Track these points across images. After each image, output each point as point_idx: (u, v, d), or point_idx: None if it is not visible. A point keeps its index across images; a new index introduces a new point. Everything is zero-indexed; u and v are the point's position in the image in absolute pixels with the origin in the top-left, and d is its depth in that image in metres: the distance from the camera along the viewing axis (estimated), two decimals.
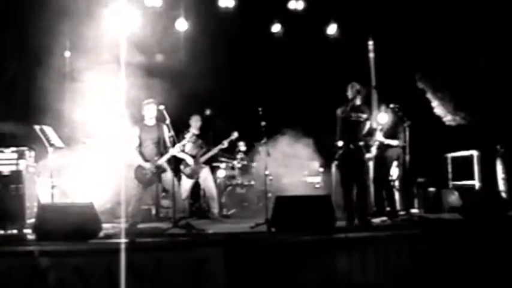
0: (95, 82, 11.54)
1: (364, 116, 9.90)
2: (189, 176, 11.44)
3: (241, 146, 13.39)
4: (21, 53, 12.15)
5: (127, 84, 11.28)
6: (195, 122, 11.68)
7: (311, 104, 13.57)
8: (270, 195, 10.71)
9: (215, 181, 12.17)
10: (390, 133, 10.75)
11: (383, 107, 11.07)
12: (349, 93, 9.98)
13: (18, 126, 11.11)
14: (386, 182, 10.86)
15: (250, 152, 13.37)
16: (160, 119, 9.99)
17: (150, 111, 10.10)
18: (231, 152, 13.16)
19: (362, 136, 9.90)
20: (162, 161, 9.94)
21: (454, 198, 12.20)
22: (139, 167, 9.96)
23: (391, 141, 10.66)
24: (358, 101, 9.94)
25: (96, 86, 11.54)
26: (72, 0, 11.88)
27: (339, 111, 9.91)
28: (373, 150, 10.88)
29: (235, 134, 11.90)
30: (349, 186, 9.84)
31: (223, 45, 13.60)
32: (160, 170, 9.94)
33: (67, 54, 13.22)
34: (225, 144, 11.81)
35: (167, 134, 9.98)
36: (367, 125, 9.98)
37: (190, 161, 11.39)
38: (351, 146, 9.75)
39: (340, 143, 9.86)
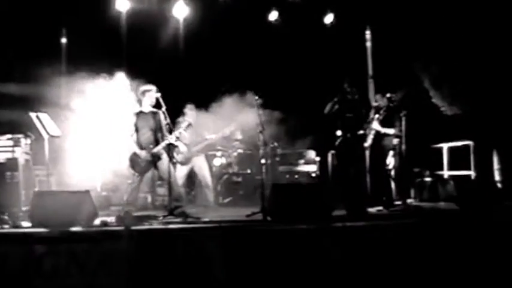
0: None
1: (357, 108, 9.92)
2: (182, 163, 11.43)
3: (238, 134, 13.36)
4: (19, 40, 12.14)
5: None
6: (190, 111, 11.67)
7: (308, 93, 13.56)
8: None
9: (211, 169, 12.17)
10: (386, 122, 10.74)
11: (379, 96, 11.07)
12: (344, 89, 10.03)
13: (14, 113, 11.08)
14: (383, 171, 10.86)
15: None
16: (156, 106, 9.96)
17: (150, 98, 10.04)
18: (227, 140, 13.14)
19: (360, 125, 9.92)
20: (158, 149, 9.90)
21: (449, 188, 12.21)
22: (134, 154, 9.93)
23: (388, 130, 10.66)
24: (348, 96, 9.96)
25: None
26: None
27: (326, 109, 9.96)
28: (370, 140, 10.89)
29: (230, 127, 11.85)
30: (347, 175, 9.86)
31: (220, 32, 13.58)
32: (155, 158, 9.91)
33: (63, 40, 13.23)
34: (215, 136, 11.80)
35: (164, 121, 9.94)
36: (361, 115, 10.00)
37: (183, 148, 11.37)
38: (348, 135, 9.77)
39: (338, 133, 9.89)
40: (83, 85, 11.48)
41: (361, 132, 9.95)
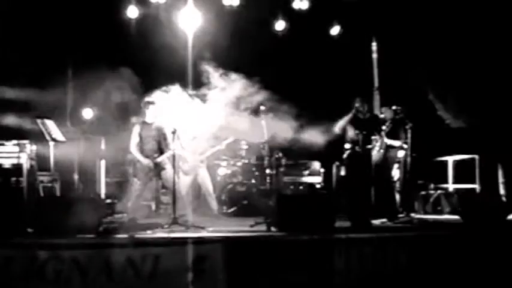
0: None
1: (369, 126, 9.96)
2: (186, 173, 11.43)
3: (243, 144, 13.35)
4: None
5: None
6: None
7: (314, 104, 13.54)
8: None
9: (215, 179, 12.16)
10: (392, 135, 10.74)
11: (385, 109, 11.08)
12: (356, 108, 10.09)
13: (20, 119, 11.12)
14: (388, 184, 10.84)
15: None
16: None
17: (153, 110, 10.09)
18: (232, 150, 13.14)
19: (369, 141, 9.94)
20: (162, 158, 9.93)
21: (454, 201, 12.18)
22: (138, 163, 9.95)
23: (393, 142, 10.66)
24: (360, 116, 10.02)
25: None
26: None
27: (336, 129, 10.00)
28: (375, 152, 10.89)
29: (231, 138, 11.87)
30: (353, 187, 9.87)
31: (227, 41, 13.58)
32: (159, 167, 9.93)
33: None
34: (220, 147, 11.80)
35: (166, 131, 9.99)
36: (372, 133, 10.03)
37: (189, 157, 11.38)
38: (357, 148, 9.78)
39: (347, 146, 9.91)
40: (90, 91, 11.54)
41: (370, 146, 9.95)
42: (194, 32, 13.33)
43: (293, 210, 8.47)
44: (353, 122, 10.06)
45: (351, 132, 10.05)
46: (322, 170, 13.48)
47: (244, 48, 13.44)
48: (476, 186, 12.93)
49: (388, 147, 10.74)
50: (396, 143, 10.64)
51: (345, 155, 10.02)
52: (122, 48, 12.95)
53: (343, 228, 8.84)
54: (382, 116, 11.13)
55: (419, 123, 10.44)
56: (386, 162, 10.81)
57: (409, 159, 10.47)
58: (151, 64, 13.02)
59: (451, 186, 13.42)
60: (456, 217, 10.47)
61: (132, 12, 12.98)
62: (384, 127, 10.88)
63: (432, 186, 13.01)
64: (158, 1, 12.93)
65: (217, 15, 13.36)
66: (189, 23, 13.35)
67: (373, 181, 10.75)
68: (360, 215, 9.61)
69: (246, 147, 13.30)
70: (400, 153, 10.72)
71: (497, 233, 8.68)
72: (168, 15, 13.17)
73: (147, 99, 10.19)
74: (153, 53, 13.18)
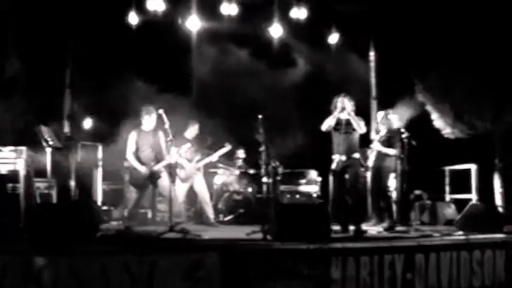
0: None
1: (354, 127, 9.84)
2: (183, 180, 11.43)
3: (240, 153, 13.37)
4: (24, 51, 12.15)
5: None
6: (193, 129, 11.69)
7: (311, 112, 13.55)
8: None
9: (212, 187, 12.16)
10: (387, 144, 10.75)
11: (381, 117, 11.09)
12: (335, 107, 9.94)
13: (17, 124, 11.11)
14: (384, 193, 10.85)
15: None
16: (159, 123, 9.98)
17: (150, 119, 10.12)
18: (229, 158, 13.16)
19: (355, 147, 9.88)
20: (158, 167, 9.95)
21: (450, 211, 12.20)
22: (134, 170, 9.97)
23: (389, 151, 10.67)
24: (344, 115, 9.88)
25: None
26: None
27: (322, 127, 9.91)
28: (371, 160, 10.90)
29: (227, 147, 11.91)
30: (342, 197, 9.86)
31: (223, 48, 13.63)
32: (155, 175, 9.94)
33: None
34: (216, 157, 11.83)
35: (163, 140, 10.01)
36: (357, 136, 9.93)
37: (186, 164, 11.40)
38: (342, 158, 9.75)
39: (334, 156, 9.86)
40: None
41: (357, 155, 9.89)
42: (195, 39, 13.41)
43: (290, 220, 8.45)
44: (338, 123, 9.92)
45: (334, 140, 9.96)
46: (319, 179, 13.50)
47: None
48: (472, 196, 12.95)
49: (384, 156, 10.75)
50: (392, 151, 10.64)
51: (333, 165, 9.95)
52: (122, 54, 12.95)
53: (339, 238, 8.84)
54: (377, 124, 11.14)
55: (416, 133, 10.44)
56: (382, 171, 10.81)
57: (405, 169, 10.47)
58: (153, 71, 13.06)
59: (447, 196, 13.44)
60: (452, 227, 10.48)
61: (133, 19, 12.97)
62: (379, 136, 10.91)
63: (428, 196, 13.03)
64: (157, 9, 12.94)
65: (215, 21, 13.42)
66: (192, 31, 13.42)
67: (366, 189, 10.76)
68: (355, 224, 9.61)
69: (243, 156, 13.32)
70: (397, 163, 10.71)
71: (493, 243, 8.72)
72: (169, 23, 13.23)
73: (145, 108, 10.20)
74: (155, 60, 13.22)
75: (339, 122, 9.84)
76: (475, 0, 12.50)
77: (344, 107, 9.77)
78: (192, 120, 11.76)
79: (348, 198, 9.91)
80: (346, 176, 9.93)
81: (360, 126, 9.79)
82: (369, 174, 11.00)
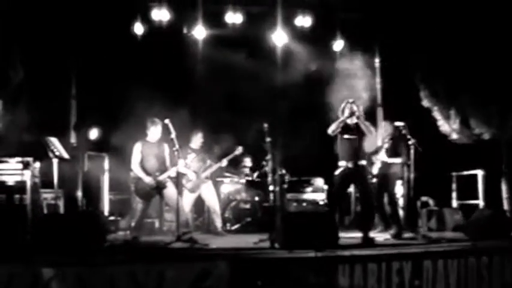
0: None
1: (360, 133, 9.81)
2: (191, 191, 11.44)
3: (247, 161, 13.37)
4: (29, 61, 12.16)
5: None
6: (197, 139, 11.70)
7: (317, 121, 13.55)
8: None
9: (219, 196, 12.15)
10: (394, 151, 10.74)
11: (387, 125, 11.08)
12: (343, 112, 9.91)
13: (24, 136, 11.13)
14: (391, 200, 10.82)
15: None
16: (165, 133, 10.00)
17: (155, 130, 10.15)
18: (236, 167, 13.17)
19: (362, 154, 9.85)
20: (163, 177, 9.97)
21: (457, 217, 12.17)
22: (139, 181, 9.98)
23: (395, 160, 10.66)
24: (351, 120, 9.85)
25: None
26: None
27: (329, 130, 9.88)
28: (377, 168, 10.88)
29: (239, 149, 11.93)
30: (336, 204, 9.87)
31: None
32: (161, 186, 9.96)
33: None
34: (225, 161, 11.83)
35: (167, 152, 10.08)
36: (365, 143, 9.90)
37: (192, 175, 11.40)
38: (349, 165, 9.72)
39: (340, 162, 9.83)
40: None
41: (363, 162, 9.86)
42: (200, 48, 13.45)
43: (297, 228, 8.45)
44: (344, 128, 9.90)
45: (340, 146, 9.93)
46: (325, 187, 13.48)
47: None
48: (480, 202, 12.92)
49: (389, 164, 10.73)
50: (398, 160, 10.63)
51: (337, 172, 9.92)
52: (128, 63, 12.97)
53: (347, 245, 8.82)
54: (384, 131, 11.13)
55: (422, 139, 10.42)
56: (388, 178, 10.79)
57: (412, 176, 10.45)
58: (159, 80, 13.08)
59: (454, 202, 13.41)
60: (460, 233, 10.45)
61: (138, 29, 13.00)
62: (385, 144, 10.89)
63: (436, 202, 13.00)
64: (162, 19, 12.97)
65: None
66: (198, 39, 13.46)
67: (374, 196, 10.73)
68: (363, 231, 9.58)
69: (249, 164, 13.32)
70: (403, 169, 10.70)
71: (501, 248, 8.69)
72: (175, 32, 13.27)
73: (150, 120, 10.23)
74: (161, 69, 13.25)
75: (346, 127, 9.82)
76: (481, 5, 12.46)
77: (353, 112, 9.76)
78: (195, 130, 11.77)
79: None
80: (353, 184, 9.93)
81: (369, 131, 9.77)
82: (375, 181, 10.96)
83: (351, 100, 9.93)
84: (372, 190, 10.20)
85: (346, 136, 9.80)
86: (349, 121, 9.81)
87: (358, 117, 9.76)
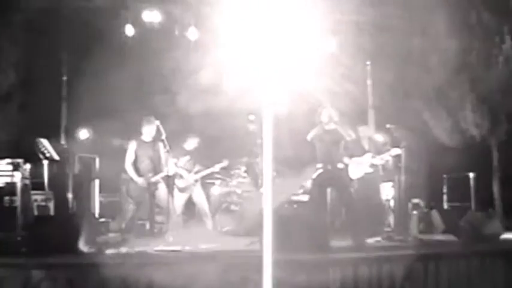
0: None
1: (340, 136, 9.80)
2: (181, 190, 11.41)
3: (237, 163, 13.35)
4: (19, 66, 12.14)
5: None
6: (192, 141, 11.68)
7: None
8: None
9: (209, 198, 12.13)
10: (383, 153, 10.74)
11: (368, 130, 11.11)
12: (322, 117, 9.88)
13: (14, 137, 11.12)
14: (376, 203, 10.82)
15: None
16: (157, 135, 9.99)
17: (150, 129, 10.11)
18: (227, 168, 13.14)
19: (340, 158, 9.82)
20: (156, 178, 9.95)
21: (449, 219, 12.17)
22: (131, 181, 9.95)
23: (383, 162, 10.67)
24: (330, 126, 9.80)
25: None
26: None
27: (308, 138, 9.85)
28: (364, 171, 10.84)
29: (225, 163, 11.87)
30: (323, 207, 9.85)
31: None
32: (153, 187, 9.93)
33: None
34: (217, 168, 11.79)
35: (162, 151, 10.02)
36: (342, 146, 9.87)
37: (185, 174, 11.38)
38: (329, 167, 9.70)
39: (318, 165, 9.79)
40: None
41: (342, 165, 9.83)
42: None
43: (288, 230, 8.43)
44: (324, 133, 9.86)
45: (319, 148, 9.89)
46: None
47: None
48: (471, 204, 12.95)
49: (379, 166, 10.75)
50: (388, 162, 10.64)
51: (314, 175, 9.88)
52: (117, 65, 12.94)
53: (337, 248, 8.82)
54: (374, 135, 11.14)
55: (414, 142, 10.45)
56: (375, 181, 10.80)
57: (403, 178, 10.46)
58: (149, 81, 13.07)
59: (445, 204, 13.43)
60: (451, 235, 10.47)
61: (129, 31, 12.98)
62: (373, 148, 10.89)
63: (426, 204, 13.02)
64: (153, 21, 12.95)
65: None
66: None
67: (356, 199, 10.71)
68: (353, 234, 9.57)
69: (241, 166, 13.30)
70: (393, 172, 10.71)
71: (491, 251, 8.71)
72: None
73: (144, 118, 10.19)
74: (151, 70, 13.24)
75: (324, 132, 9.78)
76: None
77: (330, 117, 9.72)
78: (192, 134, 11.74)
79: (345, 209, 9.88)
80: (331, 187, 9.94)
81: (348, 134, 9.76)
82: (362, 184, 10.91)
83: (327, 105, 9.90)
84: (351, 193, 10.15)
85: (324, 140, 9.78)
86: (327, 127, 9.76)
87: (335, 122, 9.73)
